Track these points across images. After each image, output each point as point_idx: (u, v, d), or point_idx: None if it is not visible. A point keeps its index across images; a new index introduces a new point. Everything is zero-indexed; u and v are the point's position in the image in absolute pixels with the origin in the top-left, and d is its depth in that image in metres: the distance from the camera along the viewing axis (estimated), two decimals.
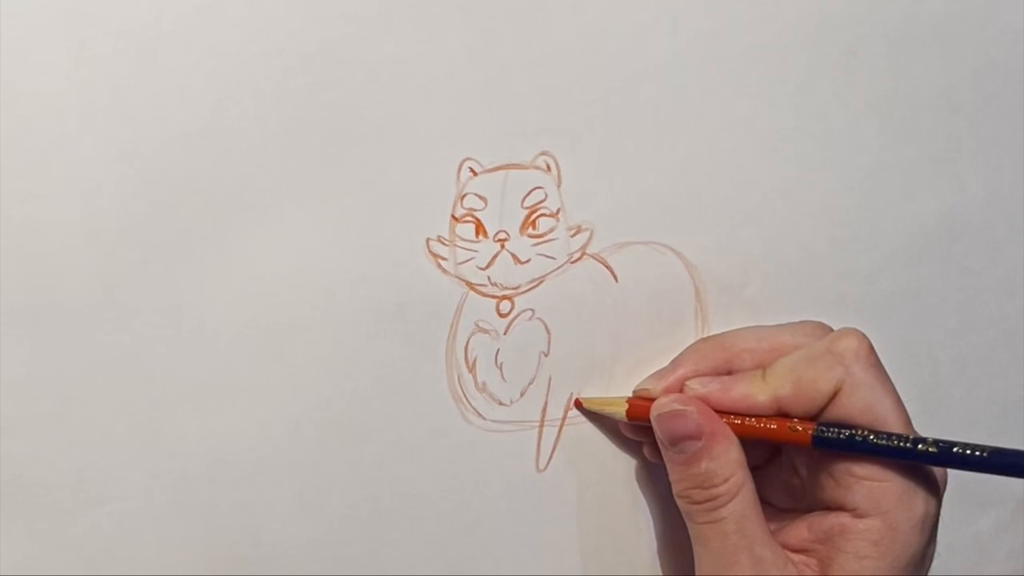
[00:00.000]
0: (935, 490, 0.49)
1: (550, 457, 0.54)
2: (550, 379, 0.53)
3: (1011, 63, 0.58)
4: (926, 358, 0.59)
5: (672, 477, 0.51)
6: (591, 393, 0.54)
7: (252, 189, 0.48)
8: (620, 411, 0.53)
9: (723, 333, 0.54)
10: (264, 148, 0.48)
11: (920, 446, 0.48)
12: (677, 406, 0.50)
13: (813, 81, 0.55)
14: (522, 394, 0.53)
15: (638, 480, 0.55)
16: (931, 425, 0.60)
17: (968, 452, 0.47)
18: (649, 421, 0.51)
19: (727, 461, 0.49)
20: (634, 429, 0.54)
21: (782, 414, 0.50)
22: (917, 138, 0.57)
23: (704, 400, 0.50)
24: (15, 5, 0.44)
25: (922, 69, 0.57)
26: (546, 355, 0.53)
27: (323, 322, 0.50)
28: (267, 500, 0.50)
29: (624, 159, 0.53)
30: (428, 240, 0.51)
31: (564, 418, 0.54)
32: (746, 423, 0.50)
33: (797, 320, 0.53)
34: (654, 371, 0.53)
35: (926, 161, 0.57)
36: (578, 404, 0.54)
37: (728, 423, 0.50)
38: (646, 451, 0.54)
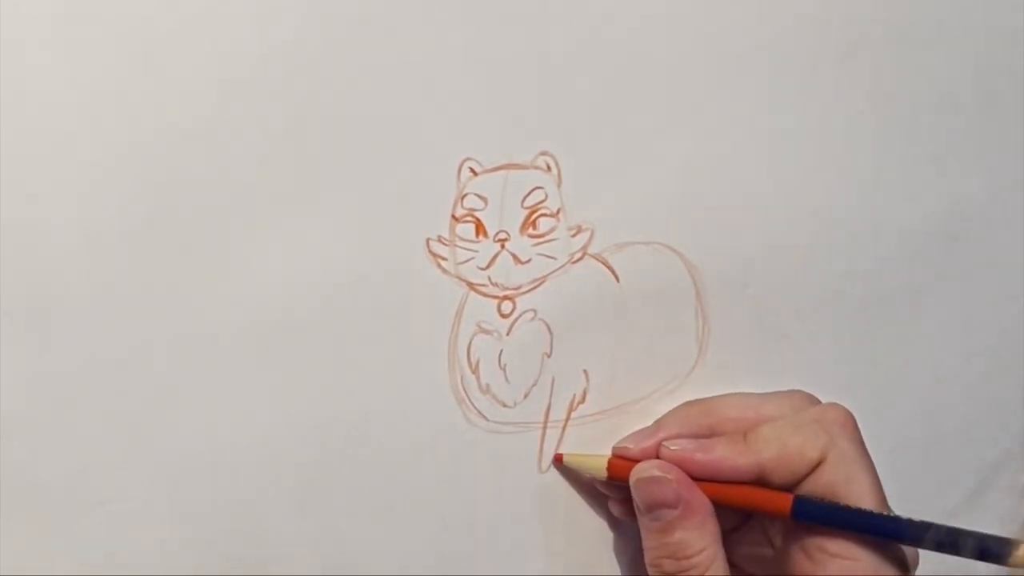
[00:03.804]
0: (906, 570, 0.49)
1: (552, 459, 0.54)
2: (552, 380, 0.53)
3: (1011, 63, 0.58)
4: (926, 358, 0.59)
5: (645, 544, 0.51)
6: (593, 398, 0.54)
7: (252, 189, 0.48)
8: (600, 469, 0.52)
9: (708, 398, 0.53)
10: (264, 148, 0.48)
11: (907, 523, 0.47)
12: (657, 472, 0.50)
13: (813, 81, 0.55)
14: (525, 395, 0.53)
15: None
16: (932, 426, 0.60)
17: (955, 537, 0.47)
18: (627, 481, 0.51)
19: (702, 533, 0.49)
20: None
21: (760, 481, 0.50)
22: (917, 138, 0.57)
23: (682, 460, 0.50)
24: (15, 5, 0.45)
25: (922, 69, 0.57)
26: (548, 356, 0.53)
27: (323, 322, 0.50)
28: (267, 500, 0.50)
29: (624, 159, 0.53)
30: (428, 240, 0.51)
31: (567, 420, 0.54)
32: (723, 490, 0.50)
33: (784, 390, 0.53)
34: (635, 430, 0.53)
35: (926, 161, 0.57)
36: (558, 460, 0.53)
37: (705, 489, 0.50)
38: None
